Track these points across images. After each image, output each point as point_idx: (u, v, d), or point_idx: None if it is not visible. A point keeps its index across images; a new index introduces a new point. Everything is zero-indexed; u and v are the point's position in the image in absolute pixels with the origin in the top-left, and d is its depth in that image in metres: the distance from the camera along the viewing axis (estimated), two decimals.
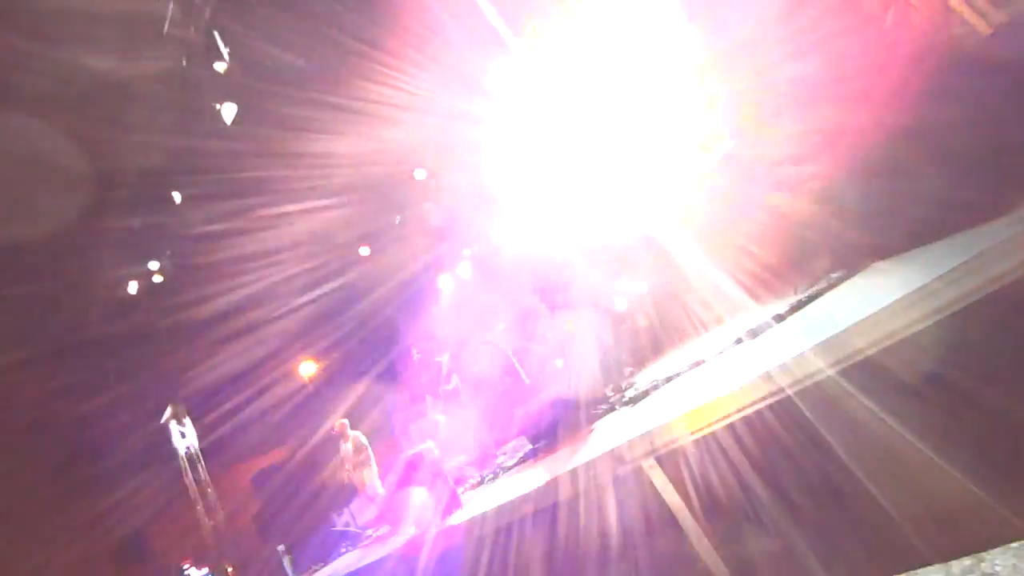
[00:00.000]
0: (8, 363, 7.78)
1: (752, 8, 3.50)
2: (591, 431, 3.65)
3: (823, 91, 3.15)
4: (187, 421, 9.15)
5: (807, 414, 3.62)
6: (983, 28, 2.70)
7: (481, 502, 3.77)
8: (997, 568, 1.56)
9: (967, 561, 1.66)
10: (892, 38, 2.90)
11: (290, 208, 8.36)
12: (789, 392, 1.81)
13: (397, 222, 9.79)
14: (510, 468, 4.79)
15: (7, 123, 5.10)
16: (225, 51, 5.03)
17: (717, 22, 4.04)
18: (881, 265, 2.66)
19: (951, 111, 2.50)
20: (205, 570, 12.02)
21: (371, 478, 7.80)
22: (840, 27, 3.06)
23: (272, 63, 5.75)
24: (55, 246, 6.99)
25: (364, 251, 10.01)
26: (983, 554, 1.64)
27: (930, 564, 1.75)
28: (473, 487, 5.14)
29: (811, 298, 3.10)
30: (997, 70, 2.49)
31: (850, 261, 3.01)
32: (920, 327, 1.58)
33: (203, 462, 8.96)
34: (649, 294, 8.99)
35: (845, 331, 1.69)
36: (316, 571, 7.42)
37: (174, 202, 6.36)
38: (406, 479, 4.60)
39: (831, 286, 3.01)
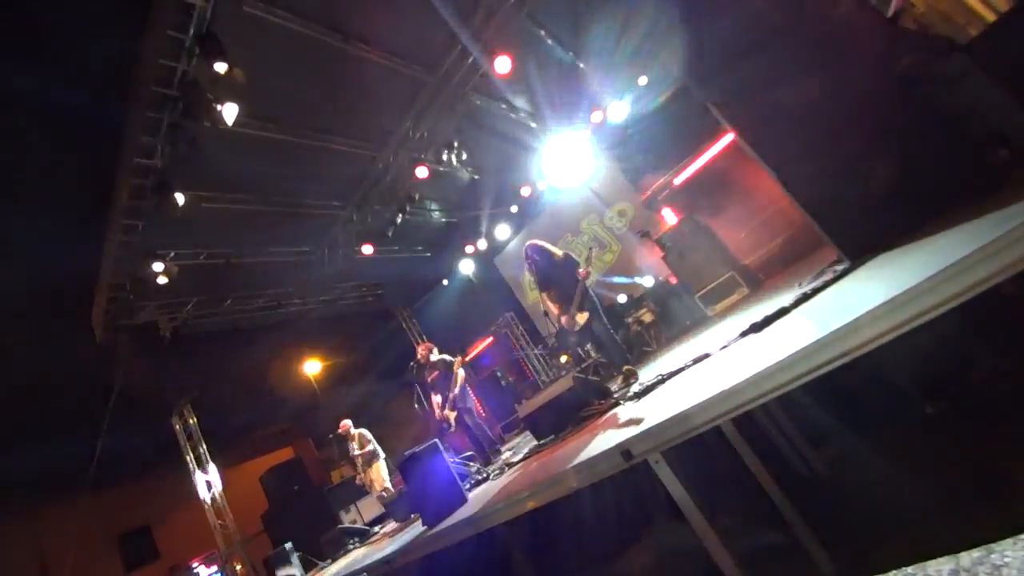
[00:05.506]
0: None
1: None
2: (596, 426, 3.64)
3: None
4: (194, 421, 9.20)
5: (813, 407, 3.60)
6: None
7: (486, 498, 3.78)
8: (1007, 559, 1.55)
9: (976, 552, 1.65)
10: None
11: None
12: (794, 386, 1.80)
13: (399, 222, 9.76)
14: (515, 464, 4.80)
15: None
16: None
17: None
18: (887, 255, 2.64)
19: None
20: (214, 568, 12.12)
21: (377, 475, 7.85)
22: None
23: None
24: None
25: (367, 249, 10.00)
26: (992, 545, 1.63)
27: (939, 555, 1.74)
28: (478, 483, 5.15)
29: (816, 291, 3.08)
30: None
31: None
32: (927, 319, 1.56)
33: (211, 461, 9.01)
34: (654, 288, 9.00)
35: (851, 324, 1.68)
36: (324, 568, 7.46)
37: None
38: (411, 476, 4.61)
39: (836, 278, 3.00)
